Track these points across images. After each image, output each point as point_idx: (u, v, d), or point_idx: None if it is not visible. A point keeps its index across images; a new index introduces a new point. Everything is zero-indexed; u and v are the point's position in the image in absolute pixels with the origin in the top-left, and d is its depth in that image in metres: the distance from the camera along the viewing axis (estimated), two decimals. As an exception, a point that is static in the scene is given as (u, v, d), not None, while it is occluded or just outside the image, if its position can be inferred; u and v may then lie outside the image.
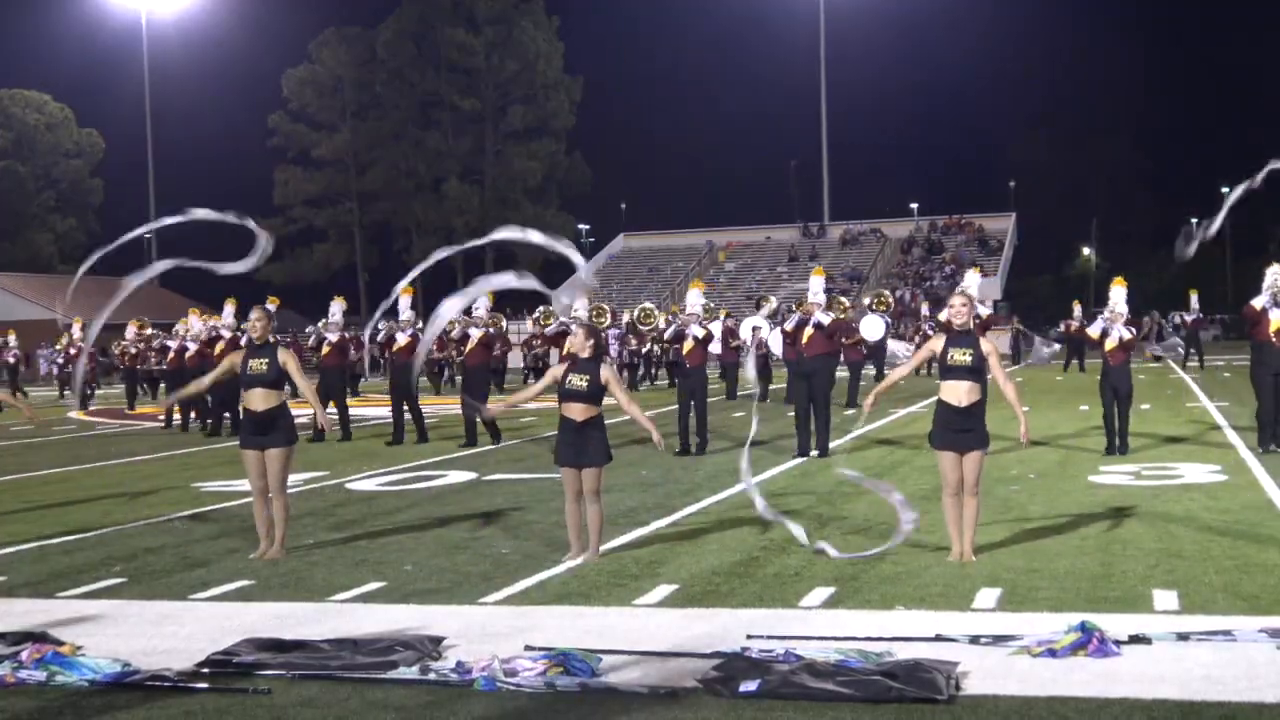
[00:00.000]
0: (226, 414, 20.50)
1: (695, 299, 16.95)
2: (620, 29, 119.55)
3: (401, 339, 18.47)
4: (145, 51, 66.56)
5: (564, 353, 16.55)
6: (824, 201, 70.04)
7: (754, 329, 28.06)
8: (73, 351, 31.32)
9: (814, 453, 15.13)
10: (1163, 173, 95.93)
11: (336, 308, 19.79)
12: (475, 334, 17.78)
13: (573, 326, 9.31)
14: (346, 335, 20.62)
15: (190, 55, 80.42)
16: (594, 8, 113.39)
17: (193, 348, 21.57)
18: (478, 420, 17.57)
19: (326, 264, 77.23)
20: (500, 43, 74.28)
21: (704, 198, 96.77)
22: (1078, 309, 36.84)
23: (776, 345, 25.77)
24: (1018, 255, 66.95)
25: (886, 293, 32.74)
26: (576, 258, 9.38)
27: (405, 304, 18.74)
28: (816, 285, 15.89)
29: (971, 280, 15.56)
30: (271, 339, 9.63)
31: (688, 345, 16.19)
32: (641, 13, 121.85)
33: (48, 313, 54.73)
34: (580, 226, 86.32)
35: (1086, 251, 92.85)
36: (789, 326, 15.78)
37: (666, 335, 17.89)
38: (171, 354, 22.58)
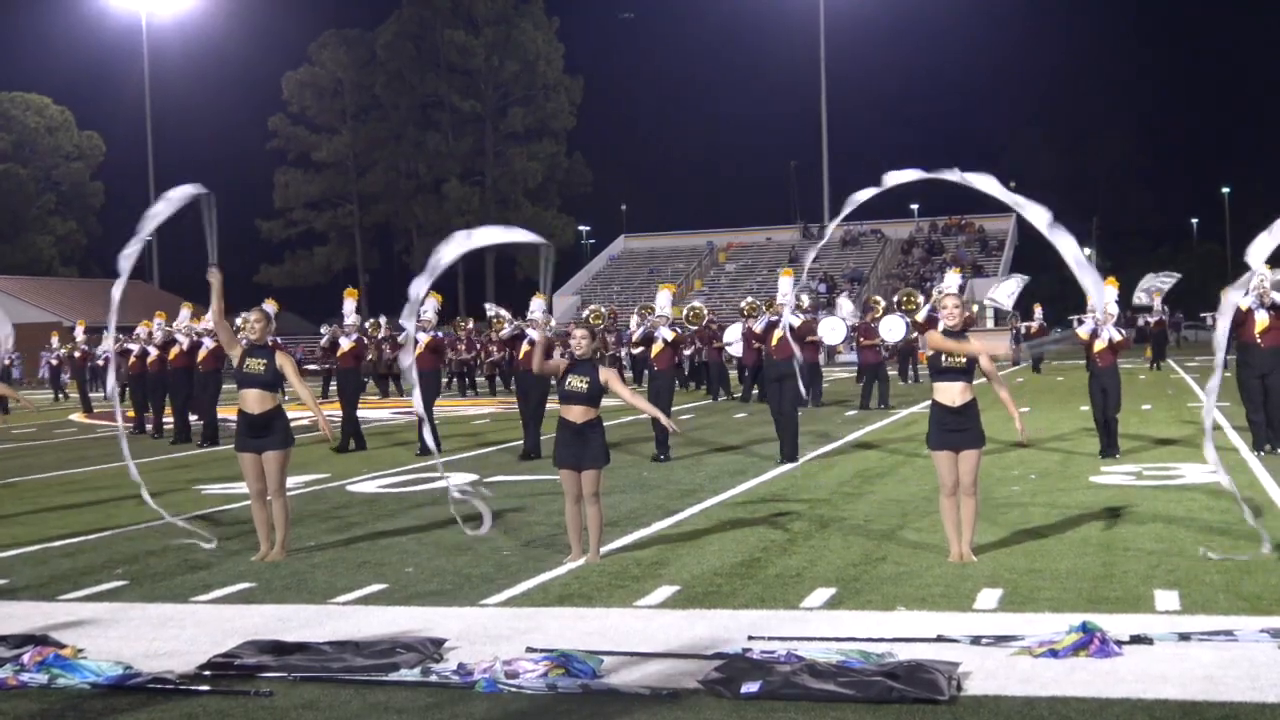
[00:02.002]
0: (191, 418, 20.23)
1: (665, 301, 16.62)
2: (620, 30, 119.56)
3: (345, 344, 17.90)
4: (145, 54, 66.64)
5: (521, 355, 16.39)
6: (824, 202, 70.06)
7: None
8: (77, 355, 31.34)
9: (782, 458, 14.62)
10: (1163, 171, 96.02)
11: (268, 309, 19.48)
12: (422, 338, 16.97)
13: (573, 329, 9.29)
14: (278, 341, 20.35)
15: (190, 58, 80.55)
16: (594, 8, 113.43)
17: (154, 352, 21.19)
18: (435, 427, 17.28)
19: (327, 266, 77.30)
20: (500, 44, 74.34)
21: (704, 199, 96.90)
22: (1039, 310, 36.99)
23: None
24: (1018, 255, 66.94)
25: (916, 291, 32.43)
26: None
27: (350, 307, 18.18)
28: (785, 286, 15.55)
29: (951, 281, 15.35)
30: (269, 341, 9.61)
31: (656, 348, 15.88)
32: (642, 13, 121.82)
33: (48, 315, 54.78)
34: (581, 228, 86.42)
35: (1087, 251, 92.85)
36: (758, 328, 15.34)
37: (635, 337, 17.46)
38: (133, 359, 22.03)
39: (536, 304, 16.95)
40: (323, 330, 18.26)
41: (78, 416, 28.50)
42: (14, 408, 29.95)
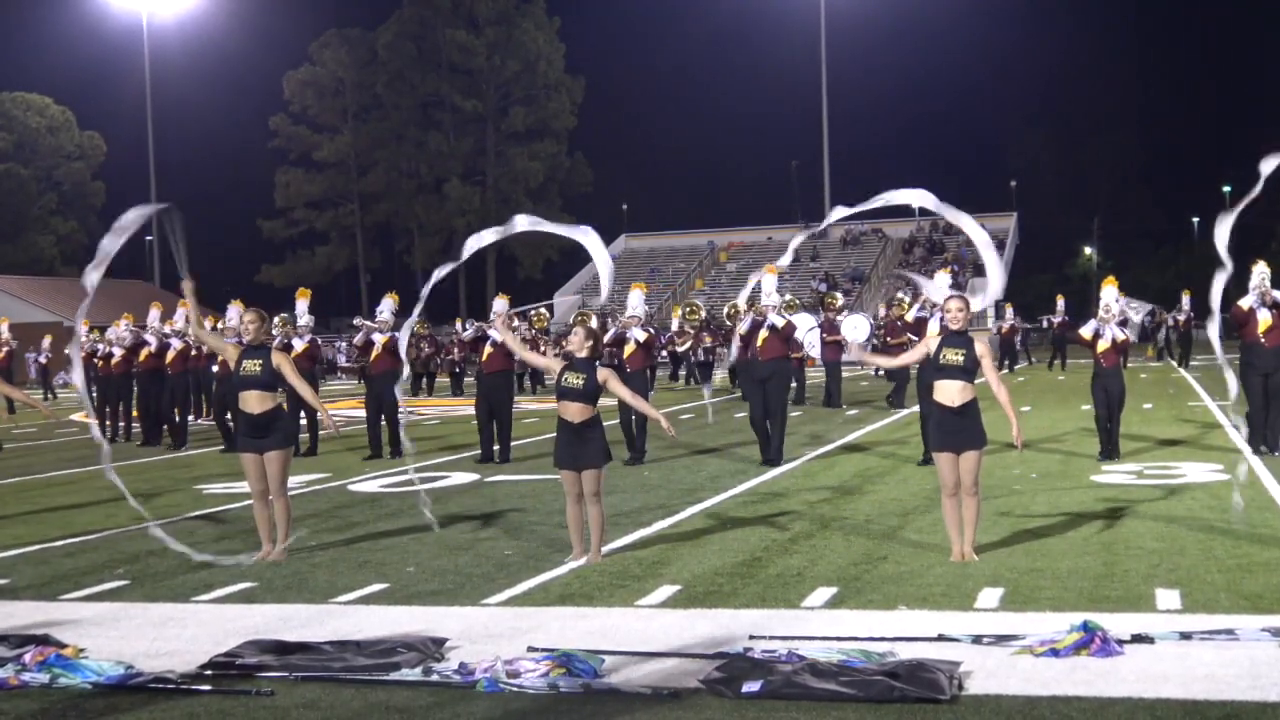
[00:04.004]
0: (164, 424, 19.85)
1: (637, 301, 16.22)
2: (621, 30, 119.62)
3: (299, 345, 17.40)
4: (146, 54, 66.61)
5: (485, 356, 15.98)
6: (825, 202, 70.03)
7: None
8: (118, 352, 31.27)
9: (769, 461, 14.42)
10: (1164, 171, 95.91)
11: (234, 310, 18.80)
12: (379, 340, 16.67)
13: (572, 329, 9.28)
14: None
15: (191, 57, 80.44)
16: (595, 8, 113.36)
17: (118, 353, 20.86)
18: (381, 432, 16.83)
19: (328, 266, 77.23)
20: (501, 43, 74.29)
21: (705, 198, 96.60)
22: (1010, 310, 37.20)
23: (815, 348, 25.45)
24: (1019, 255, 66.96)
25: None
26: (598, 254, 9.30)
27: (303, 308, 17.87)
28: (769, 285, 15.18)
29: (940, 281, 15.15)
30: (268, 339, 9.63)
31: (629, 349, 15.55)
32: (642, 13, 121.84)
33: (50, 315, 54.76)
34: (582, 227, 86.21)
35: (1088, 250, 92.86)
36: (742, 329, 15.06)
37: (606, 338, 17.01)
38: (99, 360, 21.60)
39: (499, 304, 16.38)
40: (274, 332, 17.93)
41: (80, 416, 28.48)
42: (20, 408, 29.96)
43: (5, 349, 29.77)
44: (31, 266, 71.14)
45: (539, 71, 74.88)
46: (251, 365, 9.32)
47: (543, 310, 29.35)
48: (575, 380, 8.83)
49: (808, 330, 26.76)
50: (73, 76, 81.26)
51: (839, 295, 29.58)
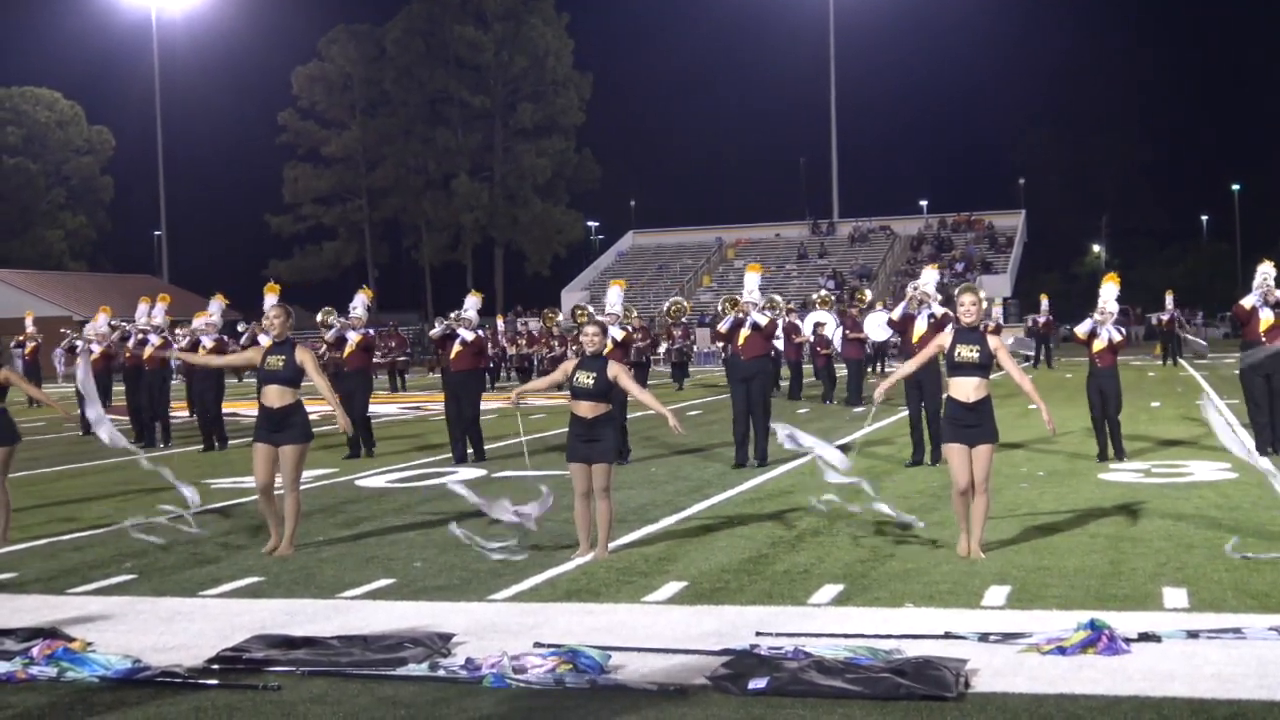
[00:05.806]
0: (158, 421, 19.43)
1: (615, 297, 15.95)
2: (629, 26, 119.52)
3: (265, 341, 16.66)
4: (155, 49, 66.77)
5: (453, 354, 15.57)
6: (833, 198, 70.04)
7: (816, 324, 27.57)
8: (96, 349, 31.30)
9: (753, 461, 14.17)
10: (1172, 169, 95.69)
11: (215, 305, 18.75)
12: (353, 336, 16.41)
13: (584, 326, 9.28)
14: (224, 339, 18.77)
15: (200, 52, 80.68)
16: (603, 5, 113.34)
17: (97, 349, 20.53)
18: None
19: (336, 261, 77.35)
20: (509, 39, 74.31)
21: (713, 195, 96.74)
22: (997, 310, 37.38)
23: (837, 342, 25.29)
24: (1026, 252, 66.85)
25: (971, 286, 32.15)
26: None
27: (271, 300, 17.06)
28: (751, 283, 15.04)
29: (929, 277, 14.97)
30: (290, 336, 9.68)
31: (606, 347, 15.37)
32: (650, 10, 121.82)
33: (59, 309, 54.84)
34: (589, 224, 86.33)
35: (1096, 248, 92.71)
36: (723, 327, 14.80)
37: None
38: (77, 357, 21.66)
39: (471, 302, 16.15)
40: (240, 328, 17.66)
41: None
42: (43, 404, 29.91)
43: (31, 344, 29.63)
44: (40, 262, 71.31)
45: (547, 68, 74.87)
46: (275, 361, 9.37)
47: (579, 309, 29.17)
48: (586, 379, 8.89)
49: (836, 327, 26.75)
50: (82, 71, 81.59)
51: (869, 292, 29.37)
